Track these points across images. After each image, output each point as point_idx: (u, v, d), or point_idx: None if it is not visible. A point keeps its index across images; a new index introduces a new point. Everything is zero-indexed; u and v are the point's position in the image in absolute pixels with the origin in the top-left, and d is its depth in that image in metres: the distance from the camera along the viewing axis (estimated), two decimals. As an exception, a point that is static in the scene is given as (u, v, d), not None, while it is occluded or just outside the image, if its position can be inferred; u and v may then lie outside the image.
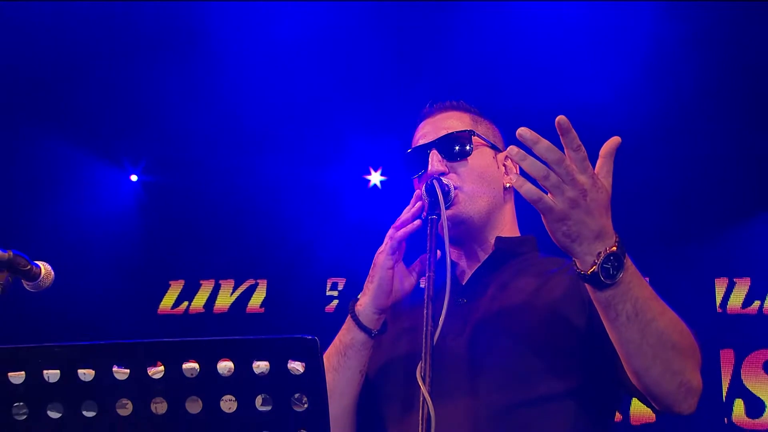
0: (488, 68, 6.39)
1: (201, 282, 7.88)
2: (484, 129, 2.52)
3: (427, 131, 2.48)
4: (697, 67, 6.37)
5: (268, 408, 1.55)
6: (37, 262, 2.13)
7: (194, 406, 1.55)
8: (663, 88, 6.56)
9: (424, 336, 1.80)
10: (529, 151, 1.79)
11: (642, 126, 6.73)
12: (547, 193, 1.79)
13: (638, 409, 7.02)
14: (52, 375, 1.55)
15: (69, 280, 7.05)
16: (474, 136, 2.43)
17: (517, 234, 2.51)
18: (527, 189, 1.77)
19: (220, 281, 7.87)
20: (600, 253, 1.82)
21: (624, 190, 7.04)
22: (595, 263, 1.83)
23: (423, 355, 1.77)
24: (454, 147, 2.38)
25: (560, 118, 1.79)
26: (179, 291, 7.90)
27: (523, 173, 1.82)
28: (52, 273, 2.17)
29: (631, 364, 1.99)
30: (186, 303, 7.86)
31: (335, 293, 7.81)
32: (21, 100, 6.90)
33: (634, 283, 1.91)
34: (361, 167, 7.57)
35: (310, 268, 7.52)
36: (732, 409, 6.90)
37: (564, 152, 1.80)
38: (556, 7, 6.13)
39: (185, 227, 7.47)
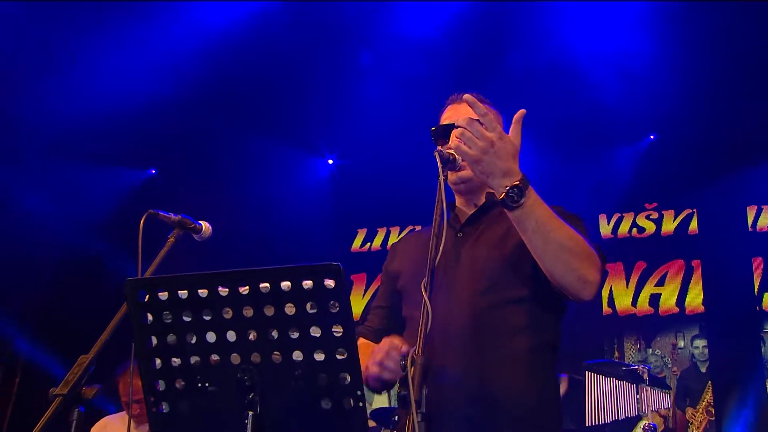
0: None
1: (377, 229, 8.03)
2: (492, 116, 2.45)
3: (451, 114, 2.43)
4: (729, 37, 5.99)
5: (315, 311, 1.63)
6: (199, 221, 2.25)
7: (269, 310, 1.65)
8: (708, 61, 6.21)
9: (428, 260, 1.82)
10: None
11: (694, 90, 6.41)
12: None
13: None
14: (182, 293, 1.69)
15: (292, 232, 7.43)
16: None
17: None
18: (452, 142, 2.05)
19: (390, 228, 7.99)
20: (507, 186, 1.92)
21: (678, 140, 6.82)
22: (503, 192, 1.92)
23: (427, 272, 1.79)
24: None
25: (467, 96, 1.94)
26: (364, 235, 8.07)
27: None
28: (210, 228, 2.26)
29: (542, 265, 2.02)
30: (369, 244, 8.01)
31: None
32: (252, 111, 7.12)
33: (536, 207, 1.96)
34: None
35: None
36: (762, 300, 6.55)
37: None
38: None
39: (366, 193, 7.57)
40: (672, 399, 4.71)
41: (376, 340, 2.25)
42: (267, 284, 1.64)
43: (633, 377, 3.92)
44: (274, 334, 1.66)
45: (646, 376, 3.87)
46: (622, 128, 7.12)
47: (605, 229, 7.42)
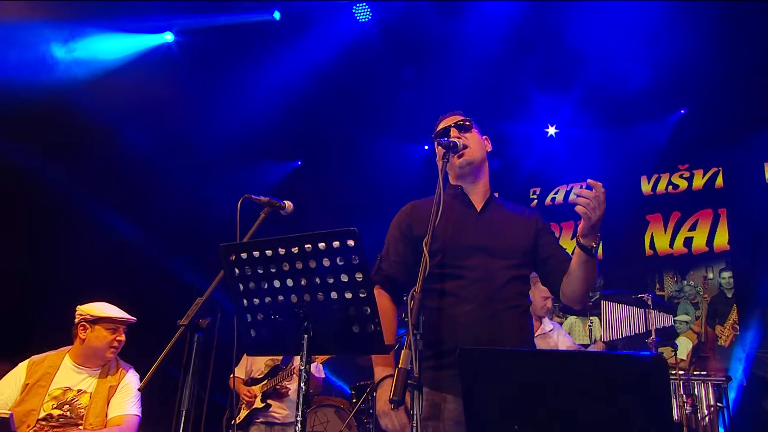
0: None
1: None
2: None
3: (445, 123, 2.42)
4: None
5: (343, 263, 1.68)
6: (283, 201, 2.29)
7: (312, 263, 1.71)
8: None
9: (429, 225, 1.82)
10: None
11: (717, 70, 5.90)
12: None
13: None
14: (255, 253, 1.77)
15: (396, 205, 7.42)
16: (472, 123, 2.37)
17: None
18: (581, 209, 1.91)
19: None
20: (596, 241, 1.97)
21: (704, 113, 6.32)
22: (594, 244, 1.97)
23: (428, 232, 1.79)
24: (463, 125, 2.34)
25: (590, 181, 1.89)
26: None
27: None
28: (292, 206, 2.28)
29: (575, 282, 2.10)
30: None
31: (534, 196, 7.61)
32: (368, 112, 7.03)
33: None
34: (542, 123, 7.25)
35: (514, 181, 7.37)
36: (777, 243, 6.00)
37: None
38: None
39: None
40: (672, 319, 4.40)
41: (392, 289, 2.25)
42: (309, 245, 1.70)
43: (640, 303, 3.72)
44: (317, 280, 1.72)
45: (650, 302, 3.67)
46: (659, 104, 6.71)
47: (646, 187, 7.01)
